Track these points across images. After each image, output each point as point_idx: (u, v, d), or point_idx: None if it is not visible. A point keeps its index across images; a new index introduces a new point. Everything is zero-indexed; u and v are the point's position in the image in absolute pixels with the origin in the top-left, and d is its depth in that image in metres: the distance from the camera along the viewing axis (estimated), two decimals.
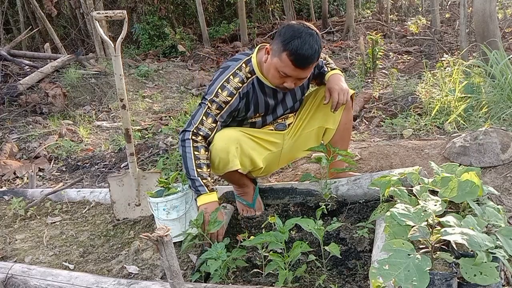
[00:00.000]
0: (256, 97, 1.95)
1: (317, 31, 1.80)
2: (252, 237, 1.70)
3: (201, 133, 1.86)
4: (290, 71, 1.77)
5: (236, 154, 1.88)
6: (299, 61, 1.73)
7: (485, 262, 1.23)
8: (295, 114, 2.18)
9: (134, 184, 2.39)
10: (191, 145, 1.83)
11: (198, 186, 1.82)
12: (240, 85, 1.89)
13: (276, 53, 1.78)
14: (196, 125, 1.86)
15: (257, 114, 2.01)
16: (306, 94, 2.21)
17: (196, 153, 1.83)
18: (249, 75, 1.92)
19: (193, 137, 1.85)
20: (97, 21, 2.27)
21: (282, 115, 2.10)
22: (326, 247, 1.61)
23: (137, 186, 2.39)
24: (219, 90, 1.87)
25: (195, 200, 1.88)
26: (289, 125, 2.14)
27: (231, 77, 1.89)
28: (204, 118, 1.87)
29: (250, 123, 2.04)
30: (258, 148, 2.03)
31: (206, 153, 1.85)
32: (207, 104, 1.88)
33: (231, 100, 1.88)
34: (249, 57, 1.94)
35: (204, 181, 1.83)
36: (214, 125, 1.88)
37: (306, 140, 2.18)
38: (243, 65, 1.92)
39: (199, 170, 1.82)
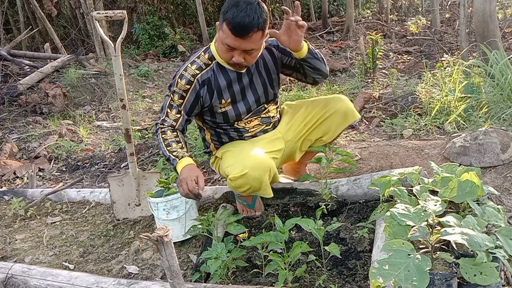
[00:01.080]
0: (218, 83, 1.94)
1: (261, 1, 1.79)
2: (252, 237, 1.71)
3: (166, 124, 1.97)
4: (232, 41, 1.77)
5: (268, 182, 1.88)
6: (237, 29, 1.72)
7: (485, 262, 1.23)
8: (276, 105, 2.14)
9: (134, 184, 2.39)
10: (160, 132, 1.97)
11: (172, 161, 1.91)
12: (198, 72, 1.92)
13: (220, 27, 1.81)
14: (163, 117, 1.97)
15: (223, 101, 1.96)
16: (315, 102, 2.15)
17: (163, 136, 1.95)
18: (209, 62, 1.94)
19: (161, 126, 1.97)
20: (97, 21, 2.27)
21: (259, 105, 2.04)
22: (326, 247, 1.61)
23: (137, 186, 2.39)
24: (179, 80, 1.93)
25: (176, 172, 1.93)
26: (272, 117, 2.11)
27: (189, 65, 1.94)
28: (168, 110, 1.96)
29: (222, 113, 1.99)
30: (275, 162, 2.01)
31: (173, 133, 1.97)
32: (170, 96, 1.96)
33: (190, 87, 1.92)
34: (208, 45, 1.99)
35: (174, 153, 1.91)
36: (178, 115, 1.96)
37: (302, 146, 2.17)
38: (202, 53, 1.97)
39: (168, 148, 1.93)
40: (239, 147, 2.00)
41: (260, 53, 1.92)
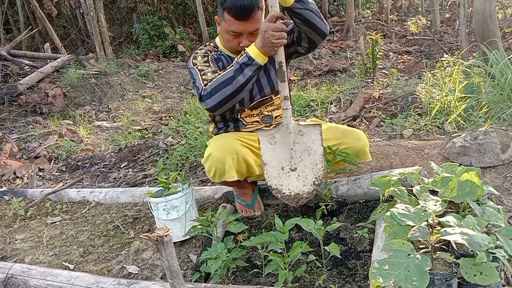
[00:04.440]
0: (226, 65, 1.96)
1: None
2: (252, 237, 1.71)
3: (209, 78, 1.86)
4: (237, 26, 1.82)
5: (232, 164, 1.88)
6: (239, 13, 1.78)
7: (485, 262, 1.23)
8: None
9: (289, 141, 1.91)
10: (207, 87, 1.81)
11: (242, 61, 1.77)
12: (208, 52, 2.01)
13: (221, 18, 1.86)
14: (203, 84, 1.83)
15: None
16: (333, 128, 2.09)
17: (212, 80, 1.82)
18: (215, 49, 2.03)
19: (205, 87, 1.84)
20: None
21: (263, 96, 2.02)
22: (326, 247, 1.62)
23: (292, 144, 1.90)
24: (194, 60, 1.95)
25: (250, 59, 1.78)
26: (276, 117, 2.09)
27: (198, 51, 2.03)
28: (203, 77, 1.86)
29: None
30: (254, 155, 1.99)
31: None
32: (197, 72, 1.88)
33: (208, 58, 1.98)
34: (212, 40, 2.09)
35: (235, 60, 1.81)
36: (216, 74, 1.85)
37: None
38: (207, 44, 2.08)
39: (226, 69, 1.81)
40: (223, 136, 2.00)
41: None
